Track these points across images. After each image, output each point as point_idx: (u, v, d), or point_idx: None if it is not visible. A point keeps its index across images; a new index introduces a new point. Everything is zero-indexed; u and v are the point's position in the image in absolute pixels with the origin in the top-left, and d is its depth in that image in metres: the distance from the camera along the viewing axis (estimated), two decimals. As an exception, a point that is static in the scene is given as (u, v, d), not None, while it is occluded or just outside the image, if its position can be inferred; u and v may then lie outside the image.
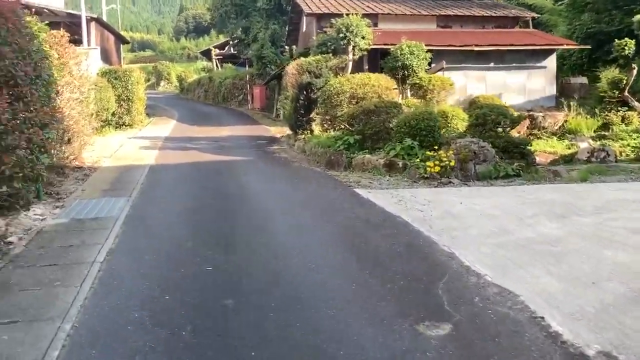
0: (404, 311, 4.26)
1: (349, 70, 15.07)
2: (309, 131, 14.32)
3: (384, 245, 5.97)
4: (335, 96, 12.26)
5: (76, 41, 26.68)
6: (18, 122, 6.73)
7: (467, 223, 6.86)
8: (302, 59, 14.38)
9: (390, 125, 11.44)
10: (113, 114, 20.26)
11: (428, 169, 9.89)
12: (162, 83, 56.31)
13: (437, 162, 9.95)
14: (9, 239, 6.13)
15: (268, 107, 30.01)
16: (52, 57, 8.64)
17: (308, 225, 6.84)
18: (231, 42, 42.29)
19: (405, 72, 14.77)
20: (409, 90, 15.11)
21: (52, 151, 9.83)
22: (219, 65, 44.63)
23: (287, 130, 18.46)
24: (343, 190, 9.18)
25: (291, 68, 14.95)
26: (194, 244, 6.03)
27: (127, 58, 77.72)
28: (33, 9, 22.42)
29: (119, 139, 17.13)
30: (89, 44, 25.46)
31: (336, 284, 4.83)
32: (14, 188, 6.35)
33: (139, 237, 6.31)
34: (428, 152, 10.37)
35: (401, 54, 14.75)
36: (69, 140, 10.26)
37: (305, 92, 13.65)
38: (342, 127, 12.38)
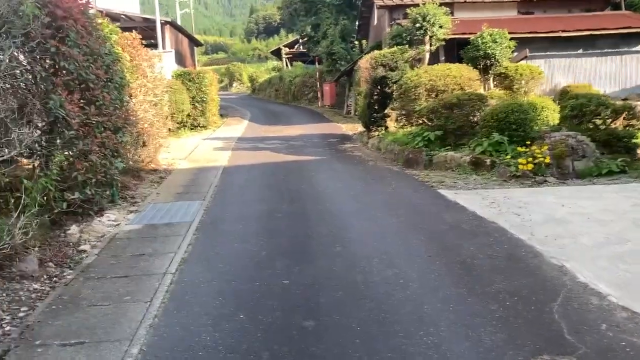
0: (514, 340, 3.57)
1: (426, 62, 14.23)
2: (383, 128, 13.64)
3: (481, 256, 5.25)
4: (413, 89, 11.51)
5: (151, 45, 27.51)
6: (90, 126, 6.59)
7: (575, 230, 5.98)
8: (376, 52, 13.72)
9: (475, 119, 10.57)
10: (188, 116, 20.52)
11: (520, 166, 8.96)
12: (234, 84, 57.40)
13: (529, 159, 9.01)
14: (82, 247, 5.96)
15: (338, 104, 29.55)
16: (124, 59, 8.54)
17: (391, 233, 6.22)
18: (300, 40, 42.23)
19: (488, 61, 13.73)
20: (491, 80, 14.05)
21: (128, 154, 9.81)
22: (288, 64, 44.74)
23: (359, 127, 17.88)
24: (426, 191, 8.47)
25: (364, 62, 14.32)
26: (268, 252, 5.59)
27: (201, 61, 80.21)
28: (103, 13, 23.27)
29: (193, 140, 17.23)
30: (163, 47, 26.09)
31: (429, 303, 4.19)
32: (86, 194, 6.18)
33: (212, 245, 5.95)
34: (519, 148, 9.43)
35: (482, 43, 13.72)
36: (143, 143, 10.22)
37: (379, 87, 12.98)
38: (420, 122, 11.61)
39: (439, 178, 9.40)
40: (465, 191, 8.35)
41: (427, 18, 13.59)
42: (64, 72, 5.96)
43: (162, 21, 26.08)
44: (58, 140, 5.87)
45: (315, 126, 20.42)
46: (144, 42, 31.17)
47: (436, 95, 11.46)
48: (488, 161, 9.57)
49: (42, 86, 5.51)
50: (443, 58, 17.74)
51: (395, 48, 13.63)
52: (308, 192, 8.69)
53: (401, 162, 11.01)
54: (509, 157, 9.39)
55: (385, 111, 13.30)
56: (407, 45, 13.97)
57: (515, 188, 8.47)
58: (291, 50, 45.17)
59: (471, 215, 6.81)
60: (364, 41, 32.73)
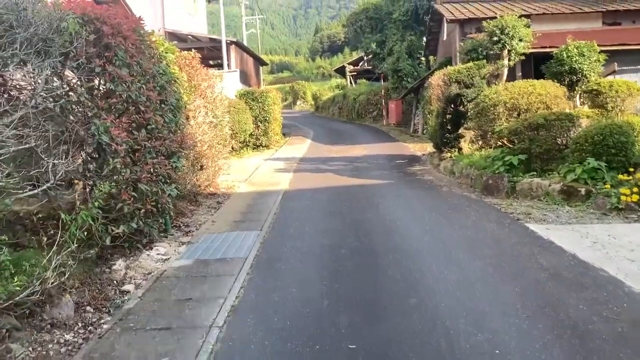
0: None
1: (504, 78, 13.05)
2: (456, 149, 12.57)
3: (597, 320, 4.18)
4: (491, 108, 10.41)
5: (218, 65, 27.71)
6: (140, 152, 6.06)
7: None
8: (450, 68, 12.71)
9: (564, 141, 9.35)
10: (250, 135, 20.20)
11: (622, 197, 7.70)
12: (298, 102, 57.56)
13: (634, 189, 7.72)
14: (126, 287, 5.38)
15: (404, 122, 28.51)
16: (181, 79, 8.07)
17: (477, 281, 5.22)
18: (365, 58, 41.60)
19: (574, 77, 12.39)
20: (578, 98, 12.67)
21: (184, 179, 9.33)
22: (352, 81, 44.22)
23: (429, 148, 16.83)
24: (512, 225, 7.38)
25: (436, 79, 13.34)
26: (330, 303, 4.77)
27: (267, 80, 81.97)
28: (164, 32, 23.35)
29: (255, 161, 16.79)
30: (229, 67, 26.18)
31: (542, 393, 3.21)
32: (132, 227, 5.61)
33: (266, 291, 5.19)
34: (620, 176, 8.16)
35: (568, 57, 12.41)
36: (201, 167, 9.72)
37: (453, 105, 11.97)
38: (500, 144, 10.49)
39: (525, 209, 8.26)
40: (558, 226, 7.19)
41: (506, 31, 12.46)
42: (111, 93, 5.46)
43: (228, 41, 26.19)
44: (102, 169, 5.33)
45: (381, 146, 19.52)
46: (211, 62, 31.45)
47: (518, 115, 10.31)
48: (582, 190, 8.33)
49: (85, 110, 5.00)
50: (520, 74, 16.46)
51: (470, 63, 12.57)
52: (375, 223, 7.82)
53: (479, 189, 9.92)
54: (608, 186, 8.12)
55: (459, 131, 12.24)
56: (484, 60, 12.85)
57: (619, 223, 7.22)
58: (355, 67, 44.69)
59: (572, 259, 5.70)
60: (431, 57, 31.66)
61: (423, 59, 31.48)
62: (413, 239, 6.82)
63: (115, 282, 5.61)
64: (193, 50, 10.09)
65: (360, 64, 44.10)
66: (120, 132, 5.35)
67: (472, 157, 11.27)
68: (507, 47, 12.60)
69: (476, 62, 12.54)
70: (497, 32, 12.49)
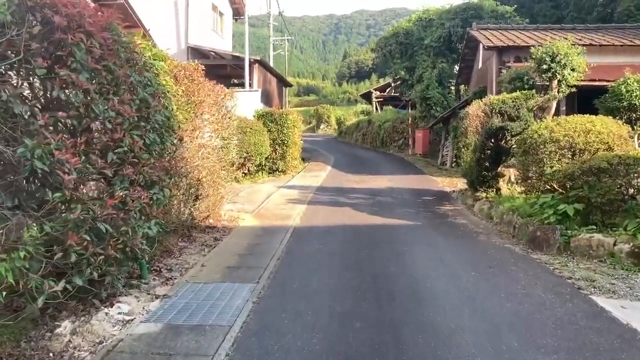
0: None
1: (552, 112, 11.53)
2: (494, 189, 11.02)
3: None
4: (541, 146, 8.88)
5: (242, 84, 26.71)
6: (104, 182, 4.71)
7: None
8: (492, 97, 11.23)
9: (632, 190, 7.76)
10: (267, 159, 18.92)
11: None
12: (322, 126, 56.41)
13: None
14: (61, 365, 3.97)
15: (432, 153, 26.98)
16: (174, 93, 6.76)
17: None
18: (393, 84, 40.37)
19: (634, 114, 10.82)
20: (636, 137, 11.06)
21: (179, 210, 7.99)
22: (378, 107, 42.96)
23: (459, 184, 15.27)
24: (573, 297, 5.79)
25: (474, 109, 11.88)
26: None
27: (292, 102, 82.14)
28: (186, 47, 22.41)
29: (268, 187, 15.43)
30: (251, 86, 25.17)
31: None
32: (74, 283, 4.22)
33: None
34: None
35: (627, 91, 10.86)
36: (196, 197, 8.38)
37: (493, 140, 10.48)
38: (548, 188, 8.94)
39: (585, 273, 6.67)
40: (636, 303, 5.59)
41: (557, 59, 10.96)
42: (62, 105, 4.14)
43: (252, 60, 25.22)
44: (42, 205, 3.98)
45: (406, 178, 18.00)
46: (235, 80, 30.50)
47: (572, 156, 8.76)
48: (660, 254, 6.72)
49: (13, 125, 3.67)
50: (564, 109, 14.93)
51: (517, 93, 11.07)
52: (401, 281, 6.31)
53: (524, 240, 8.36)
54: (693, 251, 6.51)
55: (499, 169, 10.72)
56: (533, 90, 11.35)
57: None
58: (382, 93, 43.49)
59: (674, 365, 4.11)
60: (462, 87, 30.23)
61: (453, 88, 30.08)
62: (450, 312, 5.28)
63: (52, 354, 4.21)
64: (195, 61, 8.80)
65: (387, 90, 42.89)
66: (69, 157, 4.00)
67: (514, 200, 9.72)
68: (558, 76, 11.09)
69: (523, 92, 11.05)
70: (547, 59, 11.01)
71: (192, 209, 8.82)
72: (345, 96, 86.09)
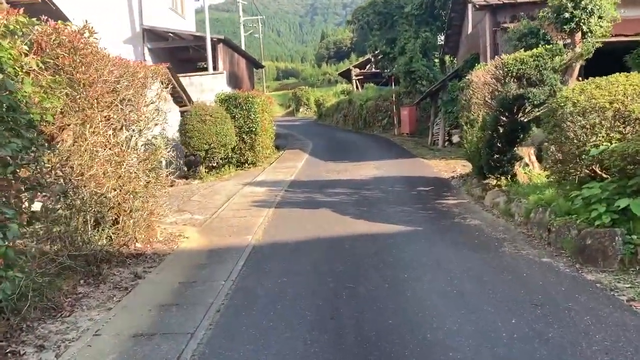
0: None
1: (575, 74, 9.13)
2: (509, 176, 8.64)
3: None
4: (578, 117, 6.48)
5: (207, 68, 23.99)
6: None
7: None
8: (507, 56, 8.73)
9: None
10: (233, 150, 16.37)
11: None
12: (301, 109, 53.60)
13: None
14: None
15: (420, 132, 24.56)
16: (26, 67, 4.17)
17: None
18: (372, 60, 37.73)
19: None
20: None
21: (83, 238, 5.51)
22: (359, 86, 40.25)
23: (458, 167, 12.90)
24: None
25: (481, 75, 9.39)
26: None
27: (272, 86, 79.88)
28: (141, 29, 19.70)
29: (231, 185, 12.90)
30: (215, 69, 22.47)
31: None
32: None
33: None
34: None
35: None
36: (96, 222, 5.84)
37: (508, 113, 8.06)
38: (589, 173, 6.56)
39: (684, 307, 4.32)
40: None
41: (582, 4, 8.51)
42: None
43: (214, 39, 22.47)
44: None
45: (395, 163, 15.56)
46: (199, 64, 27.61)
47: (625, 129, 6.36)
48: None
49: None
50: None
51: (540, 49, 8.57)
52: (408, 349, 3.89)
53: (568, 251, 5.99)
54: None
55: (516, 150, 8.32)
56: (560, 44, 8.89)
57: None
58: (362, 71, 40.76)
59: None
60: (447, 58, 27.79)
61: (438, 60, 27.61)
62: None
63: None
64: (71, 22, 6.11)
65: (367, 67, 40.19)
66: None
67: (542, 192, 7.32)
68: (583, 27, 8.64)
69: (547, 47, 8.56)
70: (568, 5, 8.53)
71: (109, 232, 6.32)
72: (325, 77, 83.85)
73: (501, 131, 8.12)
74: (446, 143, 18.92)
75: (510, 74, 8.31)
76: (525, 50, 8.85)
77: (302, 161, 17.37)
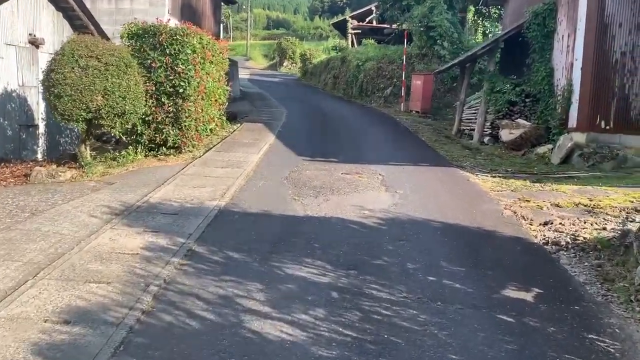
0: None
1: None
2: None
3: None
4: None
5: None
6: None
7: None
8: None
9: None
10: (143, 124, 9.66)
11: None
12: (285, 63, 46.13)
13: None
14: None
15: (435, 111, 17.96)
16: None
17: None
18: (375, 11, 30.52)
19: None
20: None
21: None
22: (355, 42, 32.96)
23: (548, 205, 6.44)
24: None
25: None
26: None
27: (260, 35, 73.44)
28: None
29: (83, 217, 6.24)
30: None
31: None
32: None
33: None
34: None
35: None
36: None
37: None
38: None
39: None
40: None
41: None
42: None
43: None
44: None
45: (417, 175, 9.01)
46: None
47: None
48: None
49: None
50: None
51: None
52: None
53: None
54: None
55: None
56: None
57: None
58: (361, 24, 33.23)
59: None
60: (472, 15, 21.03)
61: (472, 16, 20.89)
62: None
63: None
64: None
65: (367, 19, 32.80)
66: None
67: None
68: None
69: None
70: None
71: None
72: (317, 32, 78.83)
73: None
74: (486, 139, 12.42)
75: None
76: None
77: (261, 152, 10.55)
